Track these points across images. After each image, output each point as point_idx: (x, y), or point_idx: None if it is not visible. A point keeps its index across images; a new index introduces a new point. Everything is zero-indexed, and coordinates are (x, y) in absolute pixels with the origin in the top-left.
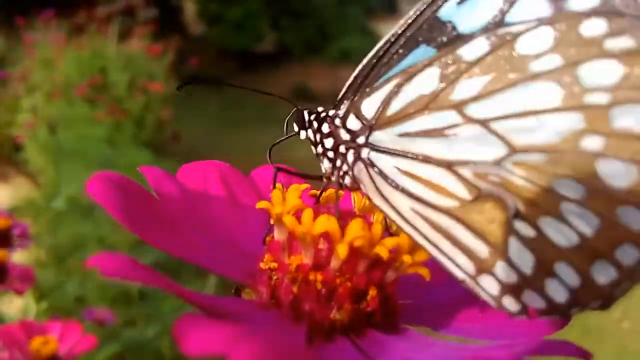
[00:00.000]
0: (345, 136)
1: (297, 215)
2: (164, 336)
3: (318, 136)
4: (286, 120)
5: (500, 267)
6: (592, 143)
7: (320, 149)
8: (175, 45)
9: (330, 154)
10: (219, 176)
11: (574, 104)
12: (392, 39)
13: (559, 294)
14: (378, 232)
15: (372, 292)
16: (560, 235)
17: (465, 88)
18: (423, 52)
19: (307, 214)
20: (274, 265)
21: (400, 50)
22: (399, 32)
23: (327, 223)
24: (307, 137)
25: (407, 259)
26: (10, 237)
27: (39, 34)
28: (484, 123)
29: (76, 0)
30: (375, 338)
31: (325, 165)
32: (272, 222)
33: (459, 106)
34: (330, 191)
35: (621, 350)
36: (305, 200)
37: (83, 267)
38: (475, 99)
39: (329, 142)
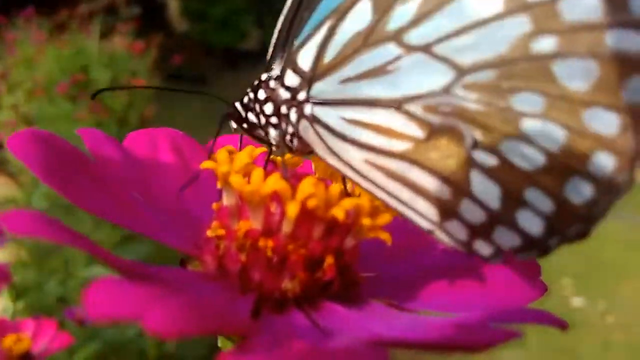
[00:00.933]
0: (284, 95)
1: (248, 176)
2: (147, 335)
3: (257, 106)
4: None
5: (465, 207)
6: (544, 44)
7: (263, 120)
8: (159, 42)
9: (274, 120)
10: (170, 143)
11: (516, 5)
12: None
13: (533, 225)
14: (335, 192)
15: (329, 260)
16: (524, 158)
17: (400, 14)
18: None
19: (257, 173)
20: (222, 232)
21: None
22: None
23: (277, 182)
24: (249, 125)
25: (366, 221)
26: None
27: (20, 32)
28: (425, 49)
29: None
30: (332, 310)
31: (272, 134)
32: (219, 184)
33: (397, 36)
34: (289, 157)
35: (606, 344)
36: (258, 163)
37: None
38: (412, 24)
39: (268, 108)
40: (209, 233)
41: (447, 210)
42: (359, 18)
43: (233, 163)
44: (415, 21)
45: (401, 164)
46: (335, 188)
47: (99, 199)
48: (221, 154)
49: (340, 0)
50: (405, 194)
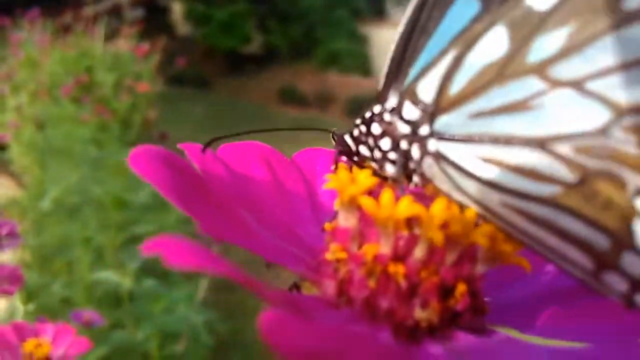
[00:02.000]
0: (404, 129)
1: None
2: (153, 338)
3: (371, 141)
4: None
5: (627, 259)
6: None
7: (378, 154)
8: (162, 45)
9: (392, 156)
10: (261, 158)
11: None
12: (420, 3)
13: None
14: (471, 216)
15: (461, 288)
16: None
17: (543, 45)
18: (463, 7)
19: (388, 195)
20: (343, 255)
21: (434, 13)
22: None
23: (413, 206)
24: (363, 159)
25: (507, 248)
26: None
27: (25, 34)
28: (576, 84)
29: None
30: (465, 340)
31: (390, 170)
32: (338, 205)
33: (540, 69)
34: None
35: None
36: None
37: (69, 267)
38: (559, 56)
39: (385, 143)
40: (328, 256)
41: (604, 261)
42: (492, 47)
43: (357, 183)
44: (563, 53)
45: (548, 210)
46: (471, 212)
47: (221, 222)
48: (343, 174)
49: (463, 25)
50: (553, 240)
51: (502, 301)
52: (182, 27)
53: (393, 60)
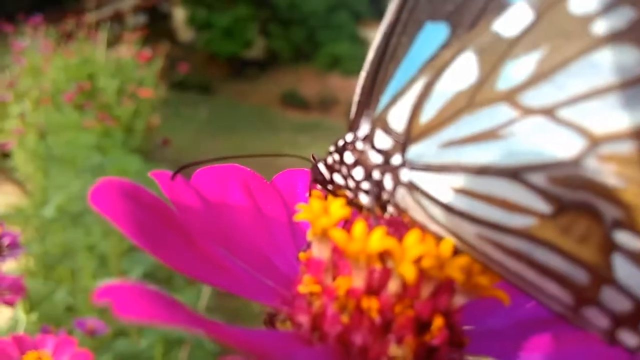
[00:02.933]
0: (376, 159)
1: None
2: (157, 346)
3: (344, 170)
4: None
5: (607, 293)
6: None
7: (351, 184)
8: (165, 51)
9: (365, 185)
10: (240, 182)
11: None
12: (388, 30)
13: None
14: (447, 249)
15: (438, 322)
16: None
17: (513, 72)
18: (431, 32)
19: (360, 227)
20: (316, 288)
21: (403, 39)
22: (393, 18)
23: (385, 240)
24: (337, 187)
25: (483, 280)
26: (0, 246)
27: (28, 41)
28: (547, 112)
29: (65, 6)
30: None
31: (364, 200)
32: (311, 236)
33: (510, 96)
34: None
35: None
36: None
37: (73, 275)
38: (529, 83)
39: (358, 173)
40: (302, 289)
41: (584, 297)
42: (461, 74)
43: (329, 214)
44: (533, 80)
45: (523, 242)
46: (447, 244)
47: (189, 258)
48: (315, 204)
49: (432, 52)
50: (530, 274)
51: (484, 330)
52: (185, 32)
53: (364, 87)
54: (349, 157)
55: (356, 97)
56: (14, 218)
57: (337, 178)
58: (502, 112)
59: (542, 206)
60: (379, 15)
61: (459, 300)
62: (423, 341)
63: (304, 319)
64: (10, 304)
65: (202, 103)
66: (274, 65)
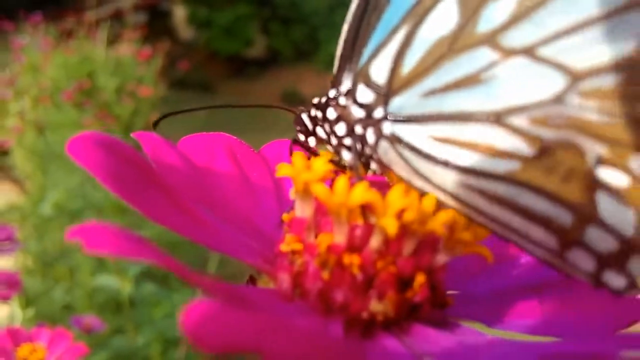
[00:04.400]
0: (358, 113)
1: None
2: (155, 344)
3: (327, 126)
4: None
5: (591, 234)
6: None
7: (334, 140)
8: (165, 49)
9: (347, 141)
10: (227, 149)
11: None
12: None
13: None
14: (430, 204)
15: (420, 279)
16: None
17: (493, 13)
18: None
19: (342, 182)
20: (298, 246)
21: None
22: None
23: (367, 193)
24: (320, 141)
25: (466, 236)
26: None
27: (27, 38)
28: (528, 51)
29: (65, 4)
30: (424, 334)
31: (346, 157)
32: (293, 194)
33: (490, 38)
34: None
35: None
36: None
37: (70, 273)
38: (509, 23)
39: (340, 128)
40: (283, 247)
41: (569, 239)
42: (442, 20)
43: (311, 170)
44: (513, 20)
45: (508, 187)
46: (430, 199)
47: (171, 213)
48: (298, 160)
49: (414, 1)
50: (516, 221)
51: (469, 294)
52: (185, 31)
53: (346, 41)
54: (331, 113)
55: (339, 52)
56: (11, 216)
57: (320, 131)
58: (483, 56)
59: (524, 149)
60: None
61: (442, 258)
62: (405, 298)
63: (285, 276)
64: (5, 298)
65: (203, 102)
66: (275, 63)
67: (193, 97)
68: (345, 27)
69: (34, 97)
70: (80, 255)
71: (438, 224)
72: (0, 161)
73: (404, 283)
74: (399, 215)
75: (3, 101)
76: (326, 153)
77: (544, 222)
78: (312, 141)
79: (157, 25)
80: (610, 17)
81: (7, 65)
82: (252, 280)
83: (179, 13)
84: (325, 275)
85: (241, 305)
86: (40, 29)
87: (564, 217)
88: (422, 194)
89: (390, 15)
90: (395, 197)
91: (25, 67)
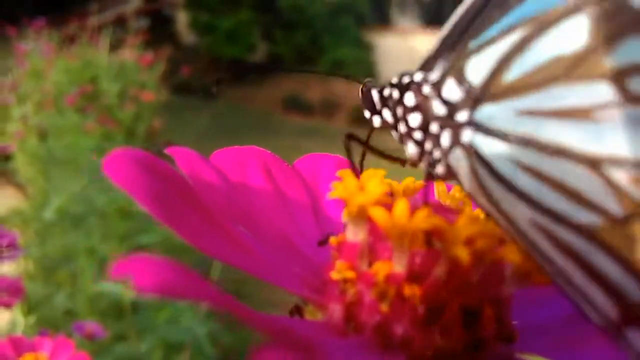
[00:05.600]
0: (439, 110)
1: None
2: (157, 350)
3: (400, 111)
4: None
5: None
6: None
7: (403, 128)
8: (167, 55)
9: (418, 135)
10: (261, 165)
11: None
12: None
13: None
14: (499, 230)
15: (487, 312)
16: None
17: (631, 49)
18: None
19: (402, 205)
20: (351, 275)
21: None
22: None
23: (432, 218)
24: (383, 122)
25: (536, 266)
26: None
27: (30, 44)
28: None
29: (68, 10)
30: None
31: (411, 150)
32: (346, 217)
33: (618, 76)
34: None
35: None
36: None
37: (72, 278)
38: None
39: (414, 119)
40: (335, 275)
41: (631, 316)
42: (567, 38)
43: (366, 192)
44: None
45: (582, 241)
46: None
47: (210, 235)
48: (350, 180)
49: (545, 6)
50: (578, 276)
51: (530, 325)
52: (187, 36)
53: (456, 26)
54: (409, 99)
55: (441, 34)
56: (14, 221)
57: (386, 114)
58: (602, 92)
59: (615, 207)
60: (382, 19)
61: (509, 288)
62: (471, 332)
63: (336, 307)
64: (8, 305)
65: (205, 107)
66: (277, 69)
67: (195, 100)
68: (460, 10)
69: (37, 102)
70: (83, 260)
71: (510, 251)
72: (2, 166)
73: (470, 316)
74: (469, 242)
75: (6, 106)
76: (377, 173)
77: (610, 288)
78: (376, 121)
79: (159, 30)
80: None
81: (10, 70)
82: (299, 310)
83: (182, 18)
84: (384, 307)
85: (298, 347)
86: (43, 35)
87: (633, 291)
88: (487, 218)
89: (513, 17)
90: (465, 222)
91: (28, 72)
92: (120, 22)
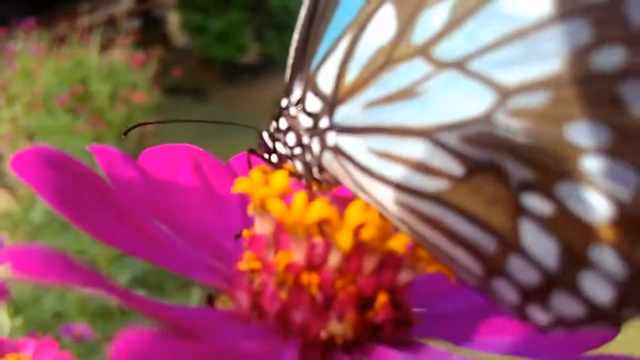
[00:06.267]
0: (306, 123)
1: (284, 201)
2: None
3: (281, 137)
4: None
5: (514, 264)
6: (608, 58)
7: (287, 151)
8: (158, 55)
9: (297, 151)
10: (191, 162)
11: (571, 7)
12: None
13: (601, 291)
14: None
15: (382, 298)
16: (588, 206)
17: (427, 23)
18: None
19: (299, 198)
20: (257, 265)
21: None
22: None
23: (325, 209)
24: (279, 156)
25: (426, 253)
26: None
27: (20, 44)
28: (458, 65)
29: (58, 10)
30: (385, 356)
31: (298, 167)
32: (252, 210)
33: (425, 49)
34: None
35: None
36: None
37: None
38: (441, 34)
39: (290, 138)
40: (242, 266)
41: (492, 267)
42: (381, 29)
43: (269, 186)
44: (445, 31)
45: (436, 208)
46: None
47: (120, 230)
48: (256, 175)
49: (359, 7)
50: (444, 243)
51: (436, 312)
52: (178, 37)
53: (296, 49)
54: (282, 123)
55: (290, 60)
56: (3, 222)
57: (279, 147)
58: (418, 68)
59: (454, 168)
60: None
61: (405, 275)
62: (365, 318)
63: (243, 296)
64: None
65: (196, 108)
66: (269, 70)
67: (186, 103)
68: (294, 35)
69: (27, 103)
70: None
71: (399, 241)
72: None
73: (365, 302)
74: (357, 230)
75: None
76: (287, 167)
77: (469, 246)
78: (273, 158)
79: (150, 31)
80: (539, 31)
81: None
82: (211, 299)
83: (173, 19)
84: (283, 295)
85: (187, 332)
86: (33, 35)
87: (488, 244)
88: None
89: (336, 24)
90: (354, 212)
91: (18, 73)
92: (111, 23)
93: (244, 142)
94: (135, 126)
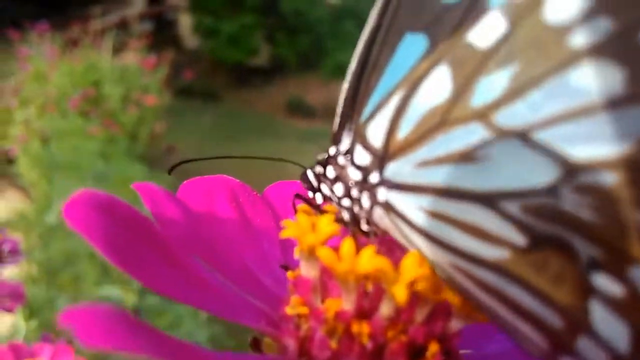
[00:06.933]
0: (355, 176)
1: (331, 246)
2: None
3: (328, 184)
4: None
5: (583, 344)
6: None
7: (335, 200)
8: (170, 58)
9: (346, 202)
10: (229, 194)
11: None
12: (370, 38)
13: None
14: None
15: (433, 348)
16: None
17: (487, 88)
18: (411, 43)
19: (348, 245)
20: (304, 310)
21: (385, 49)
22: (375, 25)
23: (376, 259)
24: (324, 197)
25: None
26: (1, 252)
27: (33, 47)
28: (521, 134)
29: (71, 13)
30: None
31: (345, 217)
32: (298, 254)
33: (483, 115)
34: None
35: None
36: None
37: (75, 282)
38: (502, 101)
39: (338, 189)
40: (289, 310)
41: (559, 343)
42: (436, 89)
43: (317, 232)
44: (507, 98)
45: (495, 276)
46: None
47: (168, 276)
48: (303, 219)
49: (411, 64)
50: (504, 312)
51: (482, 354)
52: (190, 40)
53: (346, 98)
54: (330, 172)
55: (339, 109)
56: (17, 224)
57: (325, 188)
58: (476, 132)
59: (516, 238)
60: None
61: (456, 324)
62: None
63: (290, 342)
64: (9, 310)
65: (207, 110)
66: (280, 73)
67: (198, 104)
68: (344, 85)
69: (40, 106)
70: (85, 264)
71: (452, 292)
72: (5, 169)
73: (416, 351)
74: (411, 282)
75: (9, 110)
76: (332, 209)
77: (533, 320)
78: (318, 198)
79: (162, 34)
80: (612, 109)
81: (12, 74)
82: (256, 343)
83: (185, 22)
84: (334, 344)
85: None
86: (46, 38)
87: (554, 321)
88: None
89: (389, 77)
90: (409, 265)
91: (31, 75)
92: (123, 26)
93: (254, 146)
94: (178, 164)
